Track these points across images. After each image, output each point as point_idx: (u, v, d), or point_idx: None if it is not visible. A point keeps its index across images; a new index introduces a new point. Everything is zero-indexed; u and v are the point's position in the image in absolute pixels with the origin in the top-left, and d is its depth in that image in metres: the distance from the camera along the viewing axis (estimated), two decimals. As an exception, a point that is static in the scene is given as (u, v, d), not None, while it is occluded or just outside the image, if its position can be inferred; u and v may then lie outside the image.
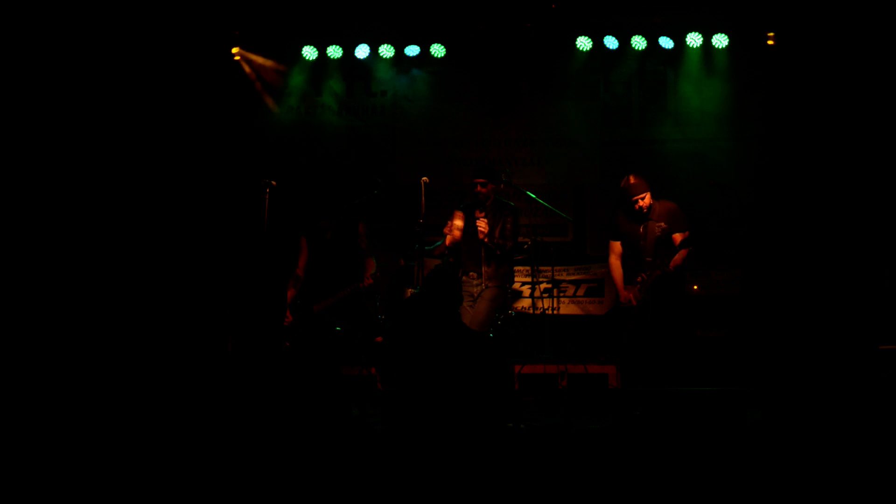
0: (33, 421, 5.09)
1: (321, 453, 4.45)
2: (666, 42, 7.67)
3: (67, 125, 7.22)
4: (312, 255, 6.34)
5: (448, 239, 6.42)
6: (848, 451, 4.37)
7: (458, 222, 6.41)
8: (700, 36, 7.59)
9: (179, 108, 7.69)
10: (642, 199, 6.06)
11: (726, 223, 7.50)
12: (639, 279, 6.08)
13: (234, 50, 7.91)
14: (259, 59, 8.06)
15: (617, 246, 6.29)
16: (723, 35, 7.56)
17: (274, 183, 6.27)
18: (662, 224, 6.09)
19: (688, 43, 7.62)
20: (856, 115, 7.36)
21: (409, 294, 7.01)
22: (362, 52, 7.85)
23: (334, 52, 7.92)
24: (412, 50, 7.88)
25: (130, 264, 7.30)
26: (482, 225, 6.19)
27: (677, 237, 6.07)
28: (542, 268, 7.50)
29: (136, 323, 7.11)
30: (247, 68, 8.04)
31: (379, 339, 6.58)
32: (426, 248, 6.41)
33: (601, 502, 3.79)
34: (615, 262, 6.29)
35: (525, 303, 7.73)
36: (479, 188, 6.34)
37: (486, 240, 6.22)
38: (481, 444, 4.59)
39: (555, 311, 7.08)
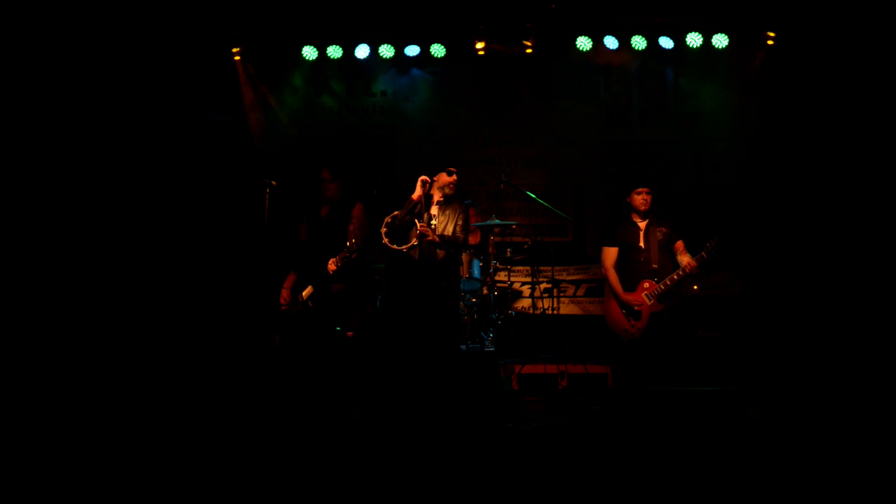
0: (33, 420, 5.09)
1: (319, 454, 4.45)
2: (666, 42, 7.67)
3: (68, 125, 7.22)
4: (308, 240, 6.30)
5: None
6: (848, 451, 4.38)
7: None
8: (700, 36, 7.59)
9: (180, 108, 7.69)
10: (647, 192, 6.00)
11: (725, 223, 7.51)
12: (646, 284, 5.97)
13: (235, 49, 7.91)
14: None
15: (612, 253, 6.14)
16: (723, 35, 7.57)
17: (274, 183, 6.25)
18: (663, 229, 6.04)
19: (688, 43, 7.62)
20: (855, 114, 7.37)
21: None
22: (362, 52, 7.85)
23: (334, 52, 7.92)
24: (412, 50, 7.87)
25: (131, 265, 7.31)
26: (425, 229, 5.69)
27: (680, 244, 6.03)
28: (542, 268, 7.52)
29: (137, 322, 7.11)
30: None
31: (350, 333, 6.36)
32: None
33: (601, 502, 3.79)
34: (611, 270, 6.12)
35: (525, 303, 7.74)
36: (454, 176, 5.83)
37: (437, 240, 5.73)
38: (480, 443, 4.59)
39: (555, 311, 7.09)
